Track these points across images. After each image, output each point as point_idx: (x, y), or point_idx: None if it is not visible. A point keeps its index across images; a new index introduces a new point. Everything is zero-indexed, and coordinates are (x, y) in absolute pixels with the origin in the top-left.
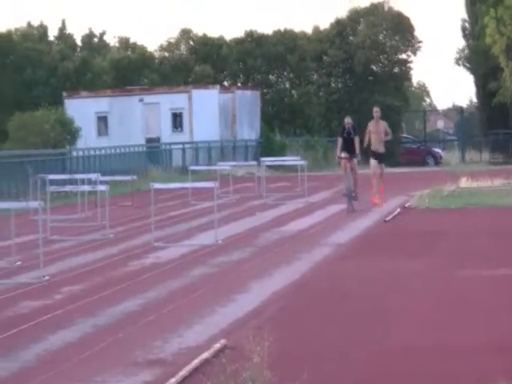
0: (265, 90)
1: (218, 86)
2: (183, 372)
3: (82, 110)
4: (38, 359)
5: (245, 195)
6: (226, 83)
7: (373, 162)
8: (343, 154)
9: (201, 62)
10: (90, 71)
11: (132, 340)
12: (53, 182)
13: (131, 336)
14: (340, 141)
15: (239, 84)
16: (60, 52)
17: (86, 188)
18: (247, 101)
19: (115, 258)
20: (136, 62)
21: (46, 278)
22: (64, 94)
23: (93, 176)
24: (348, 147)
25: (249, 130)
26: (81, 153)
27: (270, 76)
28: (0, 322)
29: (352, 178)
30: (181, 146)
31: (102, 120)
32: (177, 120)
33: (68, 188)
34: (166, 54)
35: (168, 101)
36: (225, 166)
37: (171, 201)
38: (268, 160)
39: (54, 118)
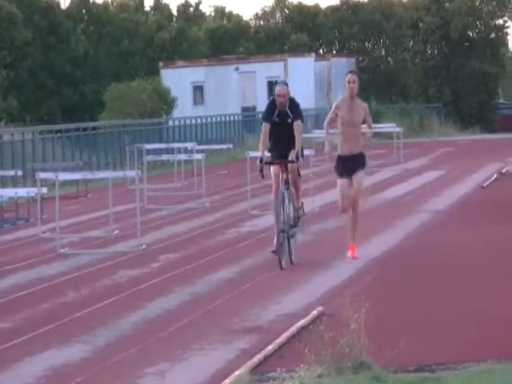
0: (360, 58)
1: (313, 54)
2: (280, 339)
3: (178, 79)
4: (135, 327)
5: None
6: (321, 51)
7: (340, 183)
8: (269, 157)
9: (296, 30)
10: (185, 41)
11: (229, 308)
12: (149, 152)
13: (228, 304)
14: (266, 129)
15: (335, 52)
16: (156, 22)
17: (183, 157)
18: (343, 68)
19: (212, 226)
20: (232, 31)
21: (144, 246)
22: (160, 63)
23: (189, 145)
24: (281, 142)
25: None
26: (177, 122)
27: (366, 44)
28: (98, 291)
29: (290, 201)
30: None
31: (198, 89)
32: (273, 88)
33: (164, 157)
34: (262, 23)
35: (264, 69)
36: (320, 134)
37: (267, 169)
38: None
39: (150, 88)
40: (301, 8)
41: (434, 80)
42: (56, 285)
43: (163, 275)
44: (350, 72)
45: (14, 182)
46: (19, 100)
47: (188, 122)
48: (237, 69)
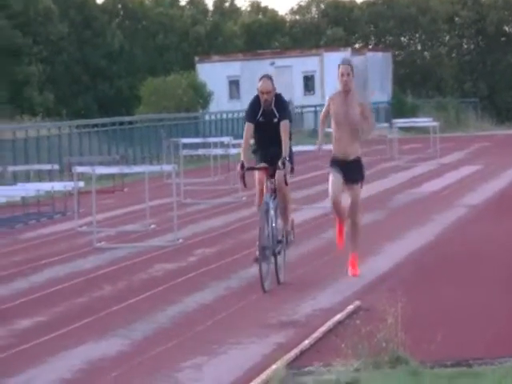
0: (396, 52)
1: (349, 49)
2: (317, 334)
3: (213, 74)
4: (172, 321)
5: (377, 157)
6: (357, 46)
7: (332, 178)
8: (256, 162)
9: (332, 24)
10: (221, 35)
11: (265, 302)
12: (186, 146)
13: (264, 298)
14: (248, 130)
15: (370, 46)
16: (191, 17)
17: (219, 151)
18: (379, 63)
19: (248, 220)
20: (267, 26)
21: (180, 240)
22: (196, 58)
23: (225, 139)
24: (267, 144)
25: (380, 92)
26: (213, 116)
27: (402, 38)
28: (135, 285)
29: (276, 211)
30: (313, 108)
31: (234, 84)
32: (308, 83)
33: (201, 151)
34: (297, 18)
35: (300, 64)
36: None
37: (303, 164)
38: (400, 122)
39: (186, 82)
40: (336, 2)
41: (470, 75)
42: (92, 279)
43: (199, 269)
44: (343, 63)
45: (50, 176)
46: (55, 94)
47: (224, 116)
48: (272, 63)
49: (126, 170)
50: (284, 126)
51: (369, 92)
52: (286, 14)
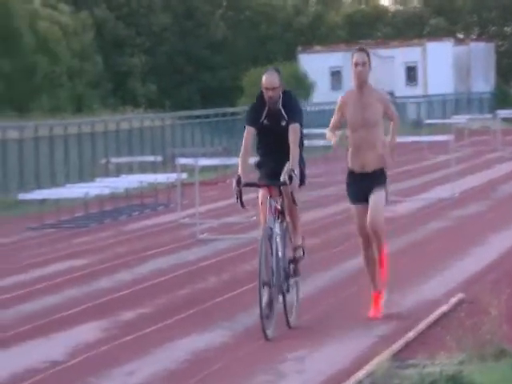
0: (499, 43)
1: (452, 39)
2: (421, 326)
3: (315, 64)
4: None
5: (480, 148)
6: (460, 36)
7: (355, 211)
8: (259, 176)
9: (435, 14)
10: (323, 26)
11: (368, 294)
12: None
13: (367, 290)
14: (248, 136)
15: (474, 36)
16: (294, 7)
17: (321, 143)
18: (482, 53)
19: (348, 213)
20: (369, 16)
21: None
22: (298, 48)
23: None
24: (273, 154)
25: (483, 83)
26: (314, 107)
27: (505, 28)
28: (238, 277)
29: (283, 238)
30: (415, 99)
31: (336, 74)
32: (411, 73)
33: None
34: (400, 7)
35: (402, 54)
36: (460, 120)
37: (406, 155)
38: (503, 112)
39: (288, 72)
40: None
41: None
42: (195, 270)
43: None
44: (358, 50)
45: (153, 168)
46: (158, 85)
47: (326, 107)
48: (375, 54)
49: (228, 161)
50: (293, 129)
51: (472, 81)
52: (389, 4)
